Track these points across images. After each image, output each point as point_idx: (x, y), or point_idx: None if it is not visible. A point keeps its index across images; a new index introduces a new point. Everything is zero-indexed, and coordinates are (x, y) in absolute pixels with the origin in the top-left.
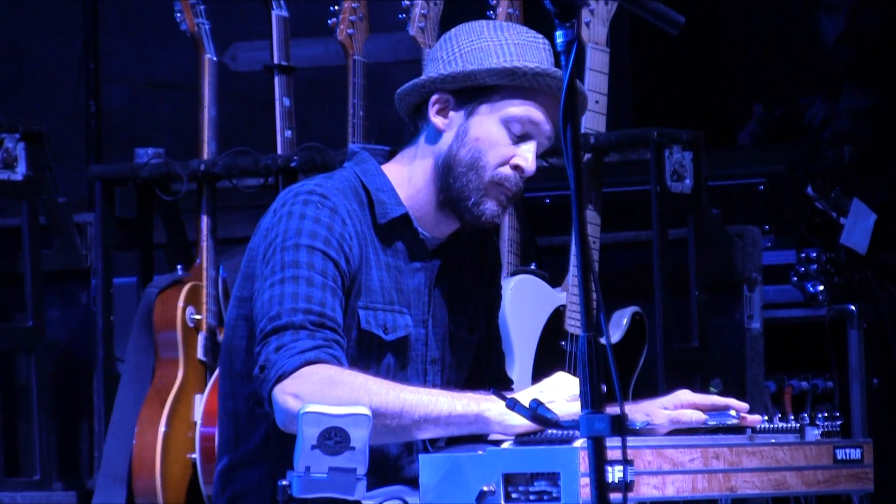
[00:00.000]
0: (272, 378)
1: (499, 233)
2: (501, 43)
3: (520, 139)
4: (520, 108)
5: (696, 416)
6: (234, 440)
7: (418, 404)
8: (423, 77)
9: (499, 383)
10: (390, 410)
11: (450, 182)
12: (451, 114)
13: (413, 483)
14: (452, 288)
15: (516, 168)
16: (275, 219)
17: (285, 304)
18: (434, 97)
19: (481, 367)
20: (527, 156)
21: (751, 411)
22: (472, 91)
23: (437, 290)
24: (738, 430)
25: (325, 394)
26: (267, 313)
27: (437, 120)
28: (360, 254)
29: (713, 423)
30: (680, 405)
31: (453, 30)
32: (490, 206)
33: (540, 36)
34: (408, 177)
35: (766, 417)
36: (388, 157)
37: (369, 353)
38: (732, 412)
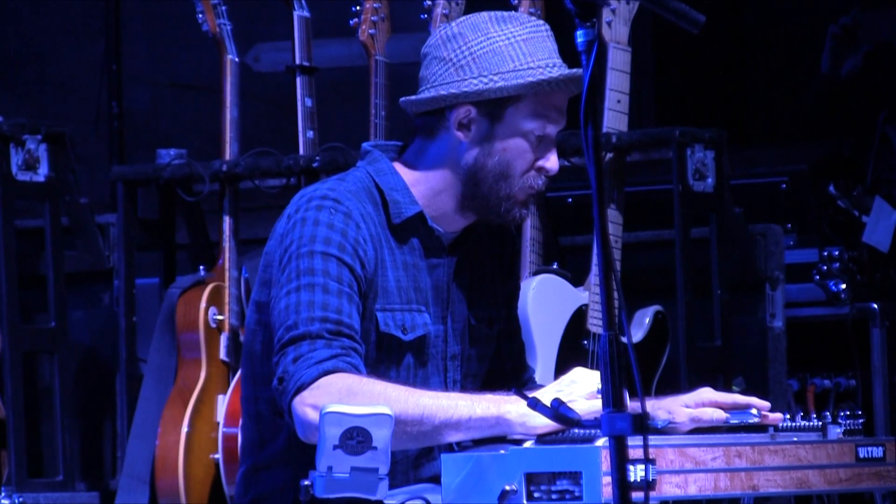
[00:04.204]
0: (291, 390)
1: (520, 231)
2: (511, 41)
3: (541, 141)
4: (544, 116)
5: (717, 415)
6: (258, 443)
7: (438, 409)
8: (443, 92)
9: (520, 374)
10: (410, 417)
11: (477, 192)
12: (474, 124)
13: (432, 482)
14: (471, 282)
15: (541, 170)
16: (289, 225)
17: (301, 313)
18: (456, 111)
19: (503, 360)
20: (550, 157)
21: (773, 410)
22: (494, 101)
23: (456, 284)
24: (759, 428)
25: (344, 404)
26: (284, 322)
27: (461, 133)
28: (376, 256)
29: (734, 421)
30: (701, 403)
31: (455, 25)
32: (519, 211)
33: (541, 22)
34: (424, 178)
35: (788, 416)
36: (400, 151)
37: (389, 355)
38: (754, 410)
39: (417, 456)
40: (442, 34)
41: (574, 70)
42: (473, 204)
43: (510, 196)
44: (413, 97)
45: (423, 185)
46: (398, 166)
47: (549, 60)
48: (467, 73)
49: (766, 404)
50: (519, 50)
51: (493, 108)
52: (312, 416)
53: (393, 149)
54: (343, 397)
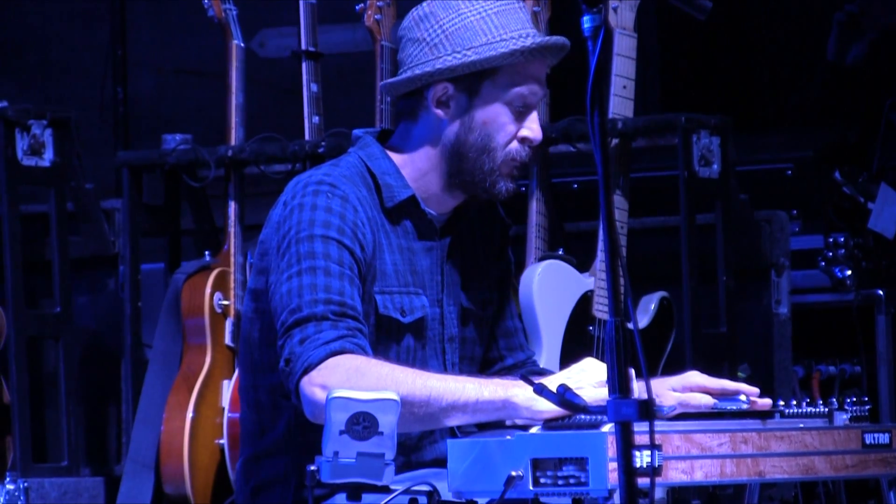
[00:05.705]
0: (298, 371)
1: (513, 212)
2: (482, 15)
3: (522, 112)
4: (522, 87)
5: (705, 400)
6: (258, 432)
7: (445, 392)
8: (418, 71)
9: (518, 356)
10: (417, 398)
11: (461, 167)
12: (452, 101)
13: (434, 465)
14: (464, 264)
15: (523, 140)
16: (286, 211)
17: (305, 296)
18: (433, 90)
19: (497, 341)
20: (532, 126)
21: (778, 396)
22: (470, 76)
23: (449, 267)
24: (765, 414)
25: (352, 384)
26: (287, 306)
27: (440, 110)
28: (374, 239)
29: (728, 407)
30: (689, 387)
31: (426, 5)
32: (505, 184)
33: None
34: (410, 161)
35: (794, 402)
36: (384, 136)
37: (388, 337)
38: (743, 397)
39: (420, 438)
40: (414, 16)
41: (547, 38)
42: (459, 181)
43: (494, 170)
44: (392, 80)
45: (409, 167)
46: (387, 151)
47: (522, 31)
48: (441, 51)
49: (755, 390)
50: (490, 23)
51: (470, 82)
52: (321, 395)
53: (382, 134)
54: (351, 377)
